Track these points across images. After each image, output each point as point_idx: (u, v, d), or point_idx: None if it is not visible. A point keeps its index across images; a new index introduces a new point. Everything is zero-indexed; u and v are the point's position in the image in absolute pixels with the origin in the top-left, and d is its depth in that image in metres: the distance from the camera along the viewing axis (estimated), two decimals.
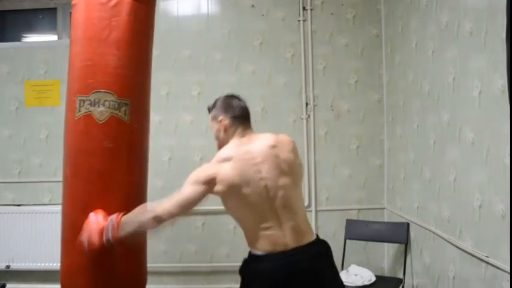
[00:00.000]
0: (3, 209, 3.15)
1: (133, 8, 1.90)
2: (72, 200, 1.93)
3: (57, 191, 3.18)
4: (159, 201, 1.50)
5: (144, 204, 1.69)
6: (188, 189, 1.49)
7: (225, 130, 1.62)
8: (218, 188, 1.49)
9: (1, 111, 3.25)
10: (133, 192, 1.95)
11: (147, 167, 2.10)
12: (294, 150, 1.60)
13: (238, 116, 1.62)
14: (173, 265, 3.11)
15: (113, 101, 1.85)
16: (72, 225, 1.92)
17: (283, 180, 1.51)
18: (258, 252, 1.49)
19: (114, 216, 1.60)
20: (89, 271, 1.84)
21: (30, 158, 3.23)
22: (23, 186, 3.23)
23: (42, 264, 3.10)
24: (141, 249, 2.06)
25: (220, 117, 1.62)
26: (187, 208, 1.50)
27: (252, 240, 1.52)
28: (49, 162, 3.21)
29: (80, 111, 1.88)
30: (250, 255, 1.54)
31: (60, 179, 3.13)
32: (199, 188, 1.48)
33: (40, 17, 3.47)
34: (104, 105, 1.84)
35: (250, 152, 1.52)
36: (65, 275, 1.93)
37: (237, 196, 1.50)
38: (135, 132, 1.94)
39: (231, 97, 1.68)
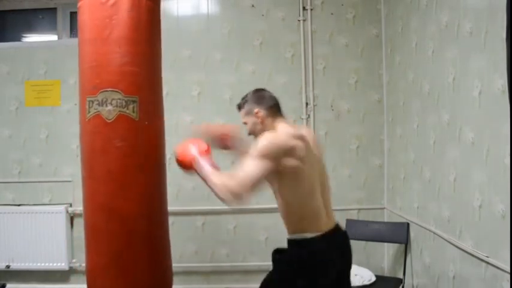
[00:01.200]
0: (3, 209, 3.15)
1: (134, 4, 1.89)
2: (88, 201, 1.93)
3: (57, 191, 3.21)
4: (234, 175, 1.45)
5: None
6: (260, 163, 1.43)
7: (262, 122, 1.65)
8: (291, 162, 1.47)
9: (1, 111, 3.25)
10: (148, 191, 1.94)
11: (163, 165, 2.08)
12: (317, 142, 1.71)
13: (273, 106, 1.67)
14: (173, 265, 3.10)
15: (120, 99, 1.85)
16: (91, 226, 1.93)
17: (323, 169, 1.64)
18: (312, 235, 1.50)
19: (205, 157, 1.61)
20: (115, 271, 1.85)
21: (30, 158, 3.23)
22: (23, 186, 3.23)
23: (42, 264, 3.10)
24: (165, 250, 2.06)
25: (256, 110, 1.65)
26: (257, 185, 1.45)
27: (304, 223, 1.52)
28: (49, 162, 3.21)
29: (89, 112, 1.89)
30: (303, 239, 1.51)
31: (60, 178, 3.18)
32: (270, 162, 1.44)
33: (40, 17, 3.47)
34: (111, 104, 1.84)
35: (304, 134, 1.58)
36: (90, 275, 1.94)
37: (302, 174, 1.50)
38: (146, 129, 1.94)
39: (260, 90, 1.73)
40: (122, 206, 1.84)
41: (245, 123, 1.71)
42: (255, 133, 1.67)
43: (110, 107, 1.84)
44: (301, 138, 1.54)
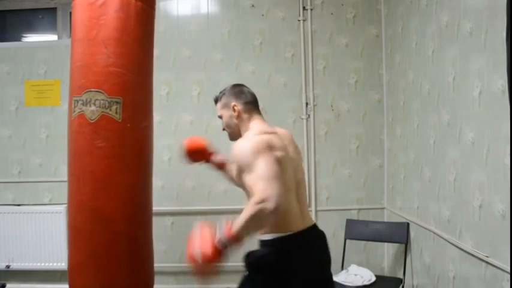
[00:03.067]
0: (3, 209, 3.14)
1: (123, 5, 1.87)
2: (71, 199, 1.94)
3: (57, 191, 3.21)
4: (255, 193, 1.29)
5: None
6: (262, 162, 1.32)
7: (238, 116, 1.61)
8: (276, 153, 1.41)
9: (1, 111, 3.25)
10: (129, 193, 1.93)
11: (148, 167, 2.05)
12: (294, 141, 1.67)
13: (250, 102, 1.65)
14: (173, 265, 3.10)
15: (103, 99, 1.84)
16: (72, 225, 1.93)
17: (297, 167, 1.59)
18: (283, 234, 1.43)
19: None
20: (93, 269, 1.84)
21: (30, 158, 3.23)
22: (23, 186, 3.23)
23: (42, 264, 3.10)
24: (146, 251, 2.05)
25: (233, 103, 1.62)
26: (278, 177, 1.32)
27: (281, 221, 1.41)
28: (49, 162, 3.21)
29: (74, 111, 1.89)
30: (280, 238, 1.43)
31: (60, 178, 3.18)
32: (268, 154, 1.36)
33: (40, 17, 3.47)
34: (94, 104, 1.84)
35: (279, 133, 1.57)
36: (71, 273, 1.94)
37: (282, 170, 1.41)
38: (129, 131, 1.91)
39: (239, 85, 1.70)
40: (103, 206, 1.83)
41: (220, 116, 1.67)
42: (231, 127, 1.64)
43: (93, 107, 1.84)
44: (274, 133, 1.54)
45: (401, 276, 2.62)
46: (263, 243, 1.49)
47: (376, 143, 3.08)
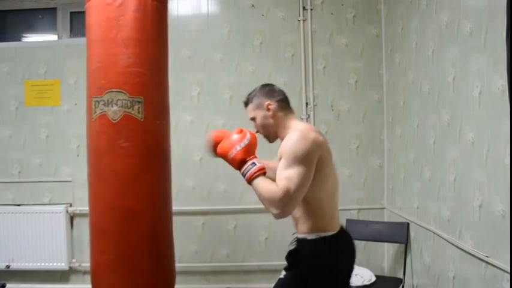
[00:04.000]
0: (3, 209, 3.15)
1: (140, 5, 1.89)
2: (94, 200, 1.94)
3: (57, 191, 3.21)
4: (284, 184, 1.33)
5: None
6: (306, 168, 1.35)
7: (274, 115, 1.56)
8: (322, 159, 1.43)
9: (1, 111, 3.25)
10: (153, 191, 1.95)
11: (168, 165, 2.07)
12: None
13: (283, 99, 1.61)
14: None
15: (125, 99, 1.85)
16: (95, 226, 1.94)
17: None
18: (330, 232, 1.50)
19: (257, 162, 1.42)
20: (120, 270, 1.85)
21: (30, 158, 3.23)
22: (23, 186, 3.23)
23: (42, 264, 3.10)
24: (168, 250, 2.06)
25: (267, 102, 1.56)
26: (303, 193, 1.37)
27: (322, 223, 1.50)
28: (49, 162, 3.21)
29: (95, 112, 1.89)
30: (321, 238, 1.48)
31: (60, 178, 3.18)
32: (313, 165, 1.38)
33: (40, 17, 3.47)
34: (116, 104, 1.85)
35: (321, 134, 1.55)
36: (94, 273, 1.95)
37: (328, 172, 1.48)
38: (151, 130, 1.94)
39: (269, 84, 1.66)
40: (127, 205, 1.84)
41: (253, 118, 1.60)
42: (266, 128, 1.59)
43: (115, 108, 1.85)
44: (319, 132, 1.52)
45: (401, 276, 2.62)
46: (306, 242, 1.51)
47: (376, 143, 3.08)
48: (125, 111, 1.85)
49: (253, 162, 1.41)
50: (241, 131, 1.49)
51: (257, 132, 1.61)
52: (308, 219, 1.49)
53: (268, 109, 1.56)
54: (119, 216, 1.85)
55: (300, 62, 3.09)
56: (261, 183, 1.38)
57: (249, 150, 1.45)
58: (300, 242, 1.52)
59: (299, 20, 3.10)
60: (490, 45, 1.62)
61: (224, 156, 1.48)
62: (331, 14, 3.09)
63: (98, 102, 1.87)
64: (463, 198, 1.88)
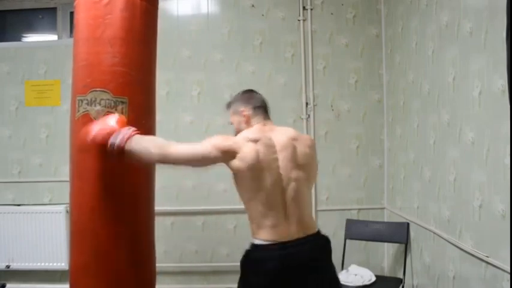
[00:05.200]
0: (3, 209, 3.14)
1: (128, 4, 1.88)
2: (74, 201, 1.93)
3: (57, 191, 3.21)
4: (173, 142, 1.50)
5: (159, 138, 1.63)
6: (205, 148, 1.47)
7: (247, 121, 1.64)
8: (237, 163, 1.47)
9: (1, 111, 3.25)
10: (135, 192, 1.93)
11: (152, 167, 2.06)
12: (313, 147, 1.65)
13: (259, 107, 1.66)
14: (173, 265, 3.11)
15: (108, 99, 1.83)
16: (76, 226, 1.92)
17: (297, 173, 1.53)
18: (260, 242, 1.49)
19: (128, 129, 1.58)
20: (98, 270, 1.84)
21: (30, 158, 3.23)
22: (23, 186, 3.23)
23: (42, 264, 3.10)
24: (149, 251, 2.05)
25: (242, 109, 1.65)
26: (193, 163, 1.54)
27: (256, 229, 1.51)
28: (49, 162, 3.21)
29: (78, 111, 1.87)
30: (252, 245, 1.53)
31: (60, 178, 3.18)
32: (215, 153, 1.46)
33: (40, 16, 3.47)
34: (100, 104, 1.83)
35: (271, 139, 1.54)
36: (73, 275, 1.93)
37: (252, 178, 1.49)
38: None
39: (249, 91, 1.73)
40: (107, 205, 1.83)
41: (231, 123, 1.70)
42: (240, 132, 1.64)
43: (98, 107, 1.82)
44: (258, 140, 1.50)
45: (401, 276, 2.62)
46: (250, 245, 1.55)
47: (376, 143, 3.08)
48: (108, 111, 1.83)
49: (118, 138, 1.53)
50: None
51: (236, 135, 1.66)
52: (251, 222, 1.55)
53: (243, 115, 1.64)
54: (98, 216, 1.83)
55: (300, 62, 3.09)
56: (142, 145, 1.53)
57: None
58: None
59: (299, 20, 3.10)
60: (490, 45, 1.62)
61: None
62: (331, 14, 3.09)
63: (82, 101, 1.86)
64: (463, 198, 1.88)
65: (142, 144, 1.52)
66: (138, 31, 1.92)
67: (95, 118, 1.83)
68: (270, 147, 1.52)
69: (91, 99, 1.84)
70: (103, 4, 1.85)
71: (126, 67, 1.87)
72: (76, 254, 1.91)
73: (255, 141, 1.50)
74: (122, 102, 1.86)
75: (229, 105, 1.72)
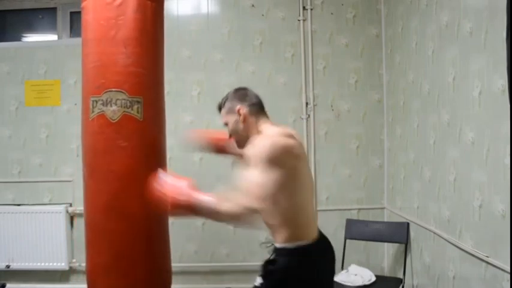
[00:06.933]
0: (3, 209, 3.15)
1: (140, 6, 1.90)
2: (90, 200, 1.94)
3: (57, 191, 3.21)
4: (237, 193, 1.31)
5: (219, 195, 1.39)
6: (269, 175, 1.30)
7: (245, 120, 1.52)
8: (291, 162, 1.37)
9: (1, 111, 3.25)
10: (150, 191, 1.94)
11: (165, 165, 2.07)
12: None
13: (256, 104, 1.56)
14: (173, 265, 3.09)
15: (124, 99, 1.85)
16: (92, 226, 1.93)
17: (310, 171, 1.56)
18: (303, 243, 1.41)
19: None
20: (118, 270, 1.85)
21: (30, 158, 3.23)
22: (23, 186, 3.23)
23: (42, 264, 3.10)
24: (165, 250, 2.06)
25: (238, 107, 1.52)
26: (265, 199, 1.33)
27: (298, 231, 1.42)
28: (49, 162, 3.21)
29: (93, 111, 1.89)
30: (291, 250, 1.41)
31: (60, 178, 3.18)
32: (278, 171, 1.32)
33: (40, 16, 3.47)
34: (116, 104, 1.85)
35: (295, 135, 1.49)
36: (90, 275, 1.94)
37: (301, 176, 1.41)
38: (149, 129, 1.95)
39: (242, 88, 1.62)
40: (124, 206, 1.84)
41: (226, 123, 1.57)
42: (237, 133, 1.55)
43: (114, 107, 1.84)
44: (292, 136, 1.46)
45: (401, 276, 2.62)
46: (283, 251, 1.43)
47: (376, 143, 3.08)
48: (124, 111, 1.85)
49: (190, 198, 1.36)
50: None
51: (231, 136, 1.59)
52: (284, 228, 1.42)
53: (239, 113, 1.52)
54: (116, 216, 1.84)
55: (300, 62, 3.09)
56: (216, 204, 1.32)
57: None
58: (277, 251, 1.45)
59: (299, 20, 3.10)
60: (490, 45, 1.62)
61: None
62: (331, 14, 3.09)
63: (96, 101, 1.87)
64: (463, 198, 1.88)
65: (221, 210, 1.33)
66: (150, 31, 1.96)
67: (111, 118, 1.84)
68: (299, 141, 1.50)
69: (106, 100, 1.86)
70: (115, 5, 1.87)
71: (141, 67, 1.90)
72: (94, 254, 1.93)
73: (291, 136, 1.45)
74: (138, 102, 1.88)
75: (221, 105, 1.59)
